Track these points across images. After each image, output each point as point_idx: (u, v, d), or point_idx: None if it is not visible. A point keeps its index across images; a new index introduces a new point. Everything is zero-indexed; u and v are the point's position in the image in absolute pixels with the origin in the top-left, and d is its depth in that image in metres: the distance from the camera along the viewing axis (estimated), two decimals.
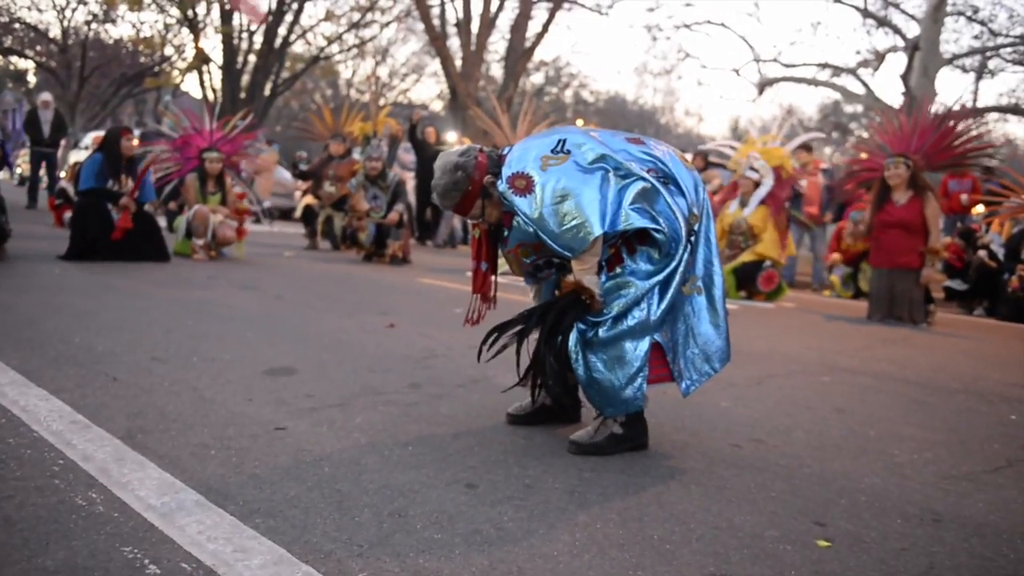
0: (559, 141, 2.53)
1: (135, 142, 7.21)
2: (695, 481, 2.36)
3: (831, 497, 2.29)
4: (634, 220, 2.41)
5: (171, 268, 6.78)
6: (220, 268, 6.97)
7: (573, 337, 2.50)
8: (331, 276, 7.31)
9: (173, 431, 2.48)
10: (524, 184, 2.45)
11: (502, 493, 2.16)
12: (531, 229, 2.48)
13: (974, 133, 7.14)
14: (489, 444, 2.59)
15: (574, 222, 2.37)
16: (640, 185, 2.44)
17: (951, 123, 7.09)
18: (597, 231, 2.37)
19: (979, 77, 24.37)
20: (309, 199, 9.91)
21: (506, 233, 2.67)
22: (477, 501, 2.09)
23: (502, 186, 2.50)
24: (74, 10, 26.35)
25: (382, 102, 30.28)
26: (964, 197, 10.35)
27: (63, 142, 13.30)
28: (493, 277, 2.84)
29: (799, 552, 1.90)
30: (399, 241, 8.59)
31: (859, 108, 25.98)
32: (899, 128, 7.16)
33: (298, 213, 10.07)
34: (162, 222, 8.06)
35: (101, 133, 8.54)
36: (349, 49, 26.84)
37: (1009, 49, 22.31)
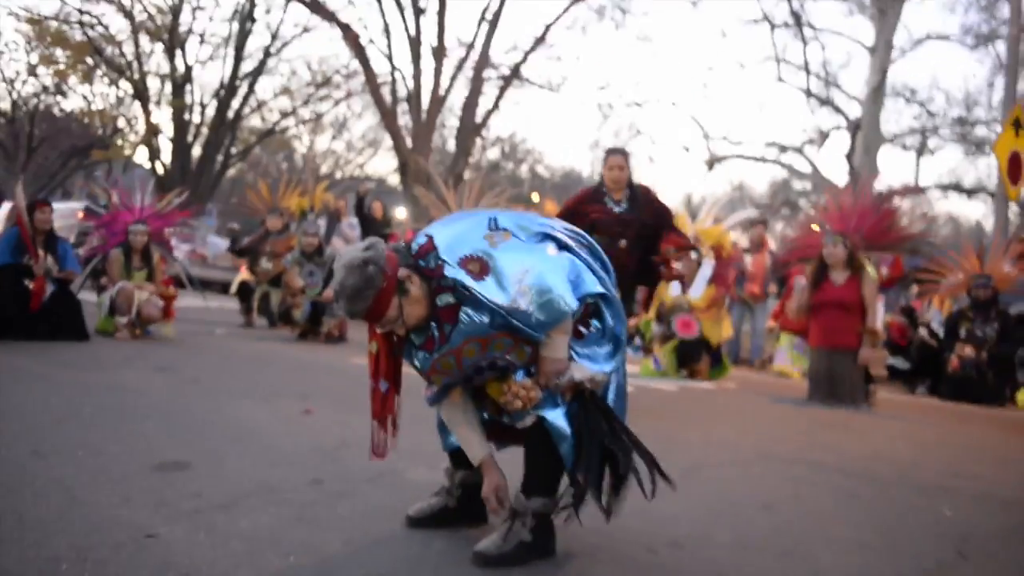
0: (491, 219, 2.36)
1: (80, 215, 7.02)
2: None
3: None
4: (591, 286, 2.33)
5: (88, 348, 6.45)
6: (141, 348, 6.65)
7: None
8: (259, 356, 7.02)
9: (28, 541, 2.23)
10: (479, 267, 2.22)
11: None
12: (485, 320, 2.23)
13: (913, 220, 7.23)
14: (381, 551, 2.38)
15: (547, 296, 2.20)
16: (578, 257, 2.38)
17: (891, 205, 7.15)
18: (573, 302, 2.25)
19: (920, 155, 25.29)
20: (245, 275, 9.68)
21: (441, 332, 2.31)
22: None
23: (453, 272, 2.23)
24: (24, 82, 26.03)
25: (339, 175, 30.25)
26: (883, 270, 10.45)
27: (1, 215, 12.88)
28: (397, 397, 2.53)
29: None
30: (335, 319, 8.35)
31: (808, 185, 26.74)
32: (840, 207, 7.19)
33: (234, 289, 9.82)
34: (93, 297, 7.74)
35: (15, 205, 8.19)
36: (304, 123, 26.91)
37: (947, 130, 23.23)
